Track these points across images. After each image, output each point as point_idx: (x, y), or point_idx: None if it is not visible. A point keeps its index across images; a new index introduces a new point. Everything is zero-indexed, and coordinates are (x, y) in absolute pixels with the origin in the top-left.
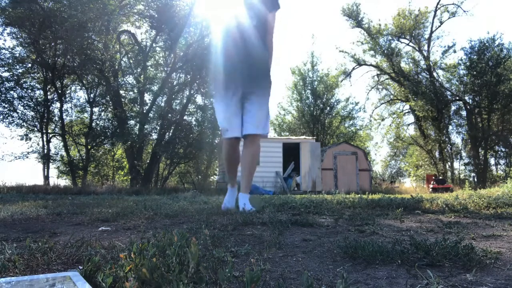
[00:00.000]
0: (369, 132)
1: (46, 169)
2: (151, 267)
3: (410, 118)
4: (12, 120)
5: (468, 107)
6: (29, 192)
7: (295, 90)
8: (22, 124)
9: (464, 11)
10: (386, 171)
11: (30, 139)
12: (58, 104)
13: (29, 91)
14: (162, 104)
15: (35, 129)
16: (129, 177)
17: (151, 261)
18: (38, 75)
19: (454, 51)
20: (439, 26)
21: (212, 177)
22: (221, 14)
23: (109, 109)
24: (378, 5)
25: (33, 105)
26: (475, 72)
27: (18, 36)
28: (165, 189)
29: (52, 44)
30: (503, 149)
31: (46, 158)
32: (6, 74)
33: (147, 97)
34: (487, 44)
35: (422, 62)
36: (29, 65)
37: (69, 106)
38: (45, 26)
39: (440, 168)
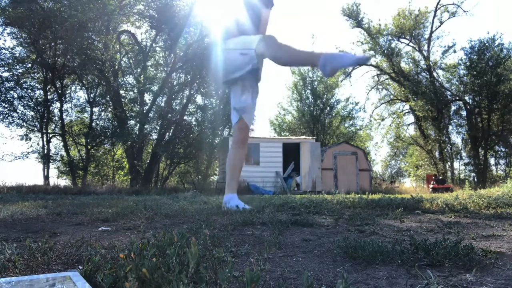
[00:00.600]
0: (369, 132)
1: (46, 169)
2: (151, 267)
3: (410, 118)
4: (12, 120)
5: (468, 107)
6: (29, 192)
7: (295, 90)
8: (22, 124)
9: (464, 11)
10: (386, 171)
11: (30, 139)
12: (58, 104)
13: (29, 91)
14: (162, 104)
15: (35, 129)
16: (129, 177)
17: (151, 261)
18: (38, 75)
19: (454, 51)
20: (439, 26)
21: (212, 177)
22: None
23: (109, 109)
24: (378, 5)
25: (33, 105)
26: (475, 72)
27: (18, 36)
28: (165, 189)
29: (52, 44)
30: (503, 149)
31: (46, 158)
32: (6, 74)
33: (147, 97)
34: (487, 44)
35: (422, 62)
36: (29, 65)
37: (69, 106)
38: (45, 26)
39: (440, 168)
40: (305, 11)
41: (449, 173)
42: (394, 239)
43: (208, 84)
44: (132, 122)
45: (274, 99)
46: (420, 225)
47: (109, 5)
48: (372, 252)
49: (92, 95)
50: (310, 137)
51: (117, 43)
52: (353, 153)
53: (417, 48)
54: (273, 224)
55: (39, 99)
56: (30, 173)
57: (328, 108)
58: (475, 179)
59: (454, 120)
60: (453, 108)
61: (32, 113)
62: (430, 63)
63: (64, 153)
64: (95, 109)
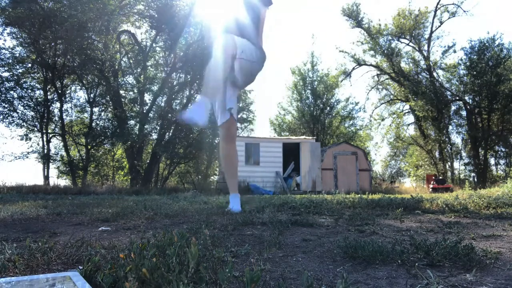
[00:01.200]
0: (369, 132)
1: (46, 169)
2: (151, 267)
3: (410, 118)
4: (12, 120)
5: (468, 107)
6: (29, 192)
7: (295, 90)
8: (22, 124)
9: (464, 11)
10: (386, 171)
11: (30, 139)
12: (58, 104)
13: (29, 91)
14: (162, 104)
15: (35, 129)
16: (129, 177)
17: (151, 261)
18: (38, 75)
19: (454, 51)
20: (439, 26)
21: (212, 177)
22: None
23: (109, 109)
24: (378, 5)
25: (33, 105)
26: (475, 72)
27: (18, 36)
28: (165, 189)
29: (52, 44)
30: (503, 149)
31: (46, 158)
32: (6, 74)
33: (147, 97)
34: (487, 44)
35: (422, 62)
36: (29, 65)
37: (69, 106)
38: (45, 26)
39: (440, 168)
40: (305, 11)
41: (449, 173)
42: (394, 239)
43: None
44: (132, 122)
45: (274, 99)
46: (420, 225)
47: (109, 5)
48: (372, 252)
49: (92, 95)
50: (310, 137)
51: (117, 43)
52: (353, 153)
53: (417, 48)
54: (273, 224)
55: (39, 99)
56: (30, 173)
57: (328, 108)
58: (475, 179)
59: (454, 120)
60: (453, 108)
61: (32, 113)
62: (430, 63)
63: (64, 153)
64: (95, 109)
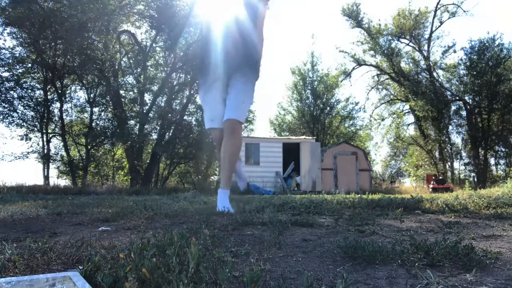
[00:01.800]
0: (369, 132)
1: (46, 169)
2: (151, 267)
3: (410, 118)
4: (12, 120)
5: (468, 107)
6: (29, 192)
7: (295, 90)
8: (22, 124)
9: (464, 11)
10: (386, 171)
11: (30, 139)
12: (58, 104)
13: (29, 91)
14: (162, 104)
15: (35, 129)
16: (129, 177)
17: (151, 261)
18: (38, 75)
19: (454, 51)
20: (439, 26)
21: (212, 177)
22: (215, 3)
23: (109, 109)
24: (378, 5)
25: (33, 105)
26: (475, 72)
27: (18, 36)
28: (165, 189)
29: (52, 44)
30: (503, 149)
31: (46, 158)
32: (6, 74)
33: (147, 97)
34: (487, 44)
35: (422, 62)
36: (29, 65)
37: (69, 106)
38: (45, 26)
39: (440, 168)
40: (305, 11)
41: (449, 173)
42: (394, 239)
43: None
44: (132, 122)
45: (274, 99)
46: (420, 225)
47: (109, 5)
48: (372, 252)
49: (92, 95)
50: (310, 137)
51: (117, 43)
52: (353, 153)
53: (417, 48)
54: (273, 224)
55: (39, 99)
56: (30, 173)
57: (328, 108)
58: (475, 179)
59: (454, 120)
60: (453, 108)
61: (32, 113)
62: (430, 63)
63: (64, 153)
64: (95, 109)
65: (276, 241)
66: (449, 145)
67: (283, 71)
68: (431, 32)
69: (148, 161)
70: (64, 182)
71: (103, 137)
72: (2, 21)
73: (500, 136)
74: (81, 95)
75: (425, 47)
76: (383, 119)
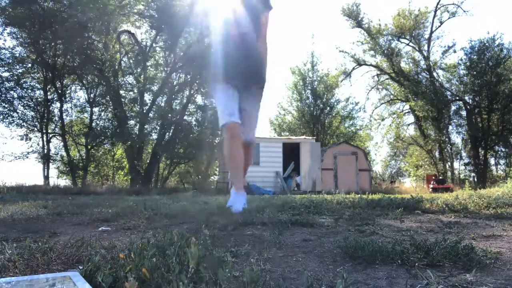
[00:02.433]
0: (369, 132)
1: (46, 169)
2: (151, 267)
3: (410, 118)
4: (12, 120)
5: (468, 107)
6: (29, 192)
7: (295, 90)
8: (22, 124)
9: (464, 11)
10: (386, 171)
11: (30, 139)
12: (58, 104)
13: (29, 91)
14: (162, 104)
15: (35, 129)
16: (129, 177)
17: (151, 261)
18: (38, 75)
19: (454, 51)
20: (439, 26)
21: (212, 177)
22: (221, 11)
23: (109, 109)
24: (378, 5)
25: (33, 105)
26: (475, 72)
27: (18, 36)
28: (165, 189)
29: (52, 44)
30: (503, 149)
31: (46, 158)
32: (6, 74)
33: (147, 97)
34: (487, 44)
35: (422, 62)
36: (29, 65)
37: (69, 106)
38: (45, 26)
39: (440, 168)
40: (305, 11)
41: (449, 173)
42: (394, 239)
43: (208, 84)
44: (132, 122)
45: (274, 99)
46: (420, 225)
47: (109, 5)
48: (372, 252)
49: (92, 95)
50: (310, 137)
51: (117, 43)
52: (353, 153)
53: (417, 48)
54: (273, 224)
55: (39, 99)
56: (30, 173)
57: (328, 108)
58: (475, 179)
59: (454, 120)
60: (453, 108)
61: (32, 113)
62: (430, 63)
63: (64, 153)
64: (95, 109)
65: (276, 241)
66: (449, 145)
67: (283, 71)
68: (431, 32)
69: (148, 161)
70: (64, 182)
71: (103, 137)
72: (2, 21)
73: (500, 136)
74: (81, 95)
75: (425, 47)
76: (383, 119)
